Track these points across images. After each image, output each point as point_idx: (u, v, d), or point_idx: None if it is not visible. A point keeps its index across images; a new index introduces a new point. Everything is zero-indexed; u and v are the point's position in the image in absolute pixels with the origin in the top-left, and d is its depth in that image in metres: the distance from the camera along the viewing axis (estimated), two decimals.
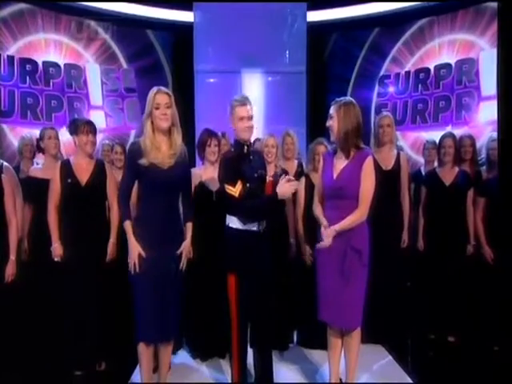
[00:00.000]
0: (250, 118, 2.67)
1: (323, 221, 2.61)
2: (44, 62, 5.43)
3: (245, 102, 2.67)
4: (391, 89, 5.91)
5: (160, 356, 2.78)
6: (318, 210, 2.72)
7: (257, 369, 2.82)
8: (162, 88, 2.57)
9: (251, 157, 2.72)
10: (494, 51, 4.80)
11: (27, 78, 5.30)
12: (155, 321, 2.54)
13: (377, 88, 5.99)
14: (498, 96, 2.89)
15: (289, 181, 2.56)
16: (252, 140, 2.80)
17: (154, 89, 2.54)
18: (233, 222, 2.68)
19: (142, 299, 2.53)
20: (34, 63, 5.36)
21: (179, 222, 2.73)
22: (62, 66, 5.56)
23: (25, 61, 5.30)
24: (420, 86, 5.63)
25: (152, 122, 2.51)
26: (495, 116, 4.75)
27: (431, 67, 5.56)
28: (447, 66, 5.40)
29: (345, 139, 2.58)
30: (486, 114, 4.97)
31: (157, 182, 2.51)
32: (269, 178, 2.60)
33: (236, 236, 2.68)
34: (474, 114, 5.13)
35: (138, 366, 3.26)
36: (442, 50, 5.44)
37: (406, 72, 5.78)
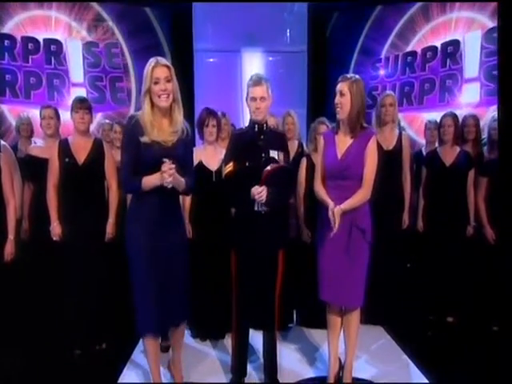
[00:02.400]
0: (262, 99, 2.62)
1: (330, 202, 2.51)
2: (23, 38, 5.23)
3: (258, 82, 2.62)
4: (382, 72, 5.89)
5: (173, 337, 2.66)
6: (321, 191, 2.64)
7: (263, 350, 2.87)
8: (161, 60, 2.34)
9: (262, 137, 2.68)
10: (479, 33, 4.84)
11: (5, 54, 5.14)
12: (160, 311, 2.40)
13: (370, 71, 5.96)
14: (499, 79, 2.84)
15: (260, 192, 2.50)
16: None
17: (152, 61, 2.31)
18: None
19: (142, 288, 2.36)
20: (12, 38, 5.17)
21: (179, 203, 2.61)
22: (42, 41, 5.33)
23: (3, 36, 5.13)
24: (408, 68, 5.61)
25: (151, 99, 2.32)
26: (477, 98, 4.80)
27: (419, 50, 5.52)
28: (433, 48, 5.35)
29: (356, 118, 2.52)
30: (469, 96, 4.96)
31: (150, 158, 2.30)
32: (267, 168, 2.54)
33: (240, 214, 2.72)
34: (457, 96, 5.12)
35: (137, 346, 3.33)
36: (443, 29, 5.35)
37: (395, 55, 5.74)
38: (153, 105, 2.34)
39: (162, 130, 2.34)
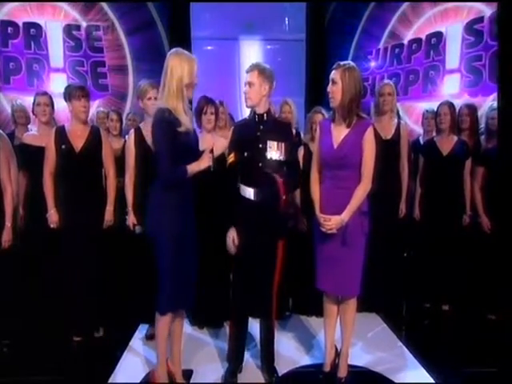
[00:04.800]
0: (249, 84, 2.59)
1: (318, 212, 2.55)
2: (2, 22, 5.16)
3: (249, 68, 2.62)
4: (373, 63, 5.94)
5: (176, 325, 2.66)
6: (315, 193, 2.64)
7: (260, 338, 2.89)
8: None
9: (261, 127, 2.65)
10: (460, 25, 4.86)
11: None
12: (184, 289, 2.50)
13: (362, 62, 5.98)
14: (499, 71, 2.84)
15: None
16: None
17: (193, 58, 2.42)
18: (241, 189, 2.68)
19: (173, 270, 2.43)
20: None
21: None
22: (21, 25, 5.24)
23: None
24: (395, 60, 5.67)
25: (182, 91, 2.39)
26: (457, 89, 4.88)
27: (405, 41, 5.57)
28: (418, 40, 5.40)
29: (349, 106, 2.48)
30: (450, 87, 5.01)
31: (191, 146, 2.46)
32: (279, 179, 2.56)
33: (239, 204, 2.68)
34: (439, 86, 5.17)
35: (135, 333, 3.35)
36: (440, 18, 5.33)
37: (384, 48, 5.81)
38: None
39: (187, 118, 2.42)
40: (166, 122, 2.34)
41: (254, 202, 2.61)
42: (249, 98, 2.62)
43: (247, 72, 2.62)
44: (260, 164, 2.60)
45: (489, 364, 2.89)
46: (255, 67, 2.60)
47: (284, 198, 2.61)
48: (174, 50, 2.44)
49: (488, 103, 4.27)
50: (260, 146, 2.61)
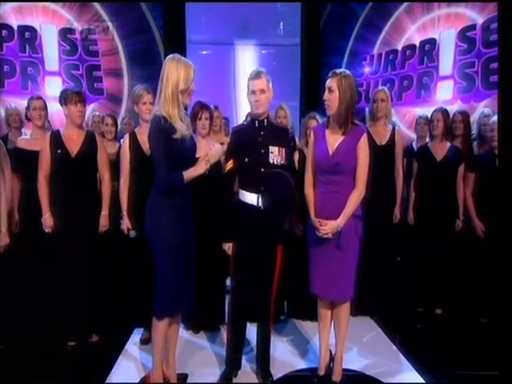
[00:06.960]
0: (261, 91, 2.59)
1: (313, 216, 2.57)
2: None
3: (257, 75, 2.60)
4: (367, 69, 6.03)
5: (172, 329, 2.66)
6: (309, 193, 2.66)
7: (256, 342, 2.90)
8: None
9: (262, 132, 2.65)
10: (453, 32, 4.96)
11: None
12: (181, 293, 2.50)
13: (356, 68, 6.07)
14: (499, 78, 2.86)
15: None
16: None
17: (191, 64, 2.40)
18: (240, 194, 2.69)
19: (171, 273, 2.44)
20: None
21: None
22: (16, 28, 5.25)
23: None
24: (389, 66, 5.77)
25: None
26: (450, 95, 4.99)
27: (399, 47, 5.66)
28: (412, 46, 5.49)
29: (346, 114, 2.49)
30: (443, 93, 5.10)
31: (187, 152, 2.46)
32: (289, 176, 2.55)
33: (238, 208, 2.68)
34: (432, 93, 5.26)
35: (130, 338, 3.35)
36: (433, 24, 5.39)
37: (378, 54, 5.91)
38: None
39: (183, 125, 2.41)
40: (161, 130, 2.34)
41: (255, 207, 2.61)
42: (261, 104, 2.61)
43: (255, 79, 2.59)
44: (262, 169, 2.60)
45: (481, 367, 2.92)
46: (264, 74, 2.61)
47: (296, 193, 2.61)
48: (171, 55, 2.42)
49: (480, 109, 4.32)
50: (262, 151, 2.61)
